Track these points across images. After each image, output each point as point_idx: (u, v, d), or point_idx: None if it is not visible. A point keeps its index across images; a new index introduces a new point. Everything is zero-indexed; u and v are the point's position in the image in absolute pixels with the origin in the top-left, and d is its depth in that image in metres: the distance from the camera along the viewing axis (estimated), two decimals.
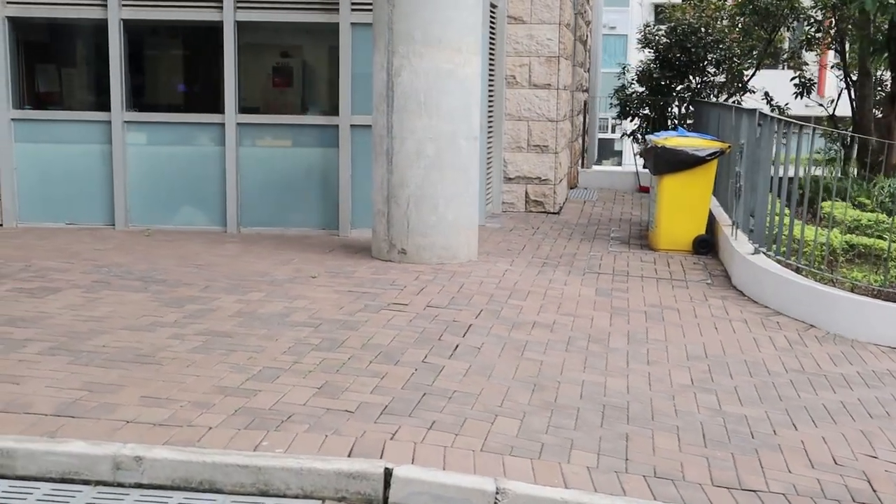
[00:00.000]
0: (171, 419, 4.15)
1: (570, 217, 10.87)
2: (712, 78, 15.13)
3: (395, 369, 4.95)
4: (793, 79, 16.01)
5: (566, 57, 11.37)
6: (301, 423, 4.16)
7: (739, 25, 15.87)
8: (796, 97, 15.72)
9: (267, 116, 9.40)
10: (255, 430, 4.06)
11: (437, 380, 4.83)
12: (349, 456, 3.84)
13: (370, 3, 8.38)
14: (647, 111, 15.43)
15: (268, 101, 9.74)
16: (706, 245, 8.85)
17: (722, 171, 9.29)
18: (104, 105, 9.21)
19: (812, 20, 15.30)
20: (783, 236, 7.45)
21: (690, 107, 14.70)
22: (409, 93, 7.51)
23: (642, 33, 15.55)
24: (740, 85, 15.39)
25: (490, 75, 10.49)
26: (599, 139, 20.13)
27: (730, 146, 8.76)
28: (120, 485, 3.77)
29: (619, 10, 35.31)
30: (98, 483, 3.78)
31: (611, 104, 16.06)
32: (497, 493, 3.64)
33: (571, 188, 13.88)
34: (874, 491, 4.02)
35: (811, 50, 16.50)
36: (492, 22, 10.37)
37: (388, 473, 3.70)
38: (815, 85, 16.50)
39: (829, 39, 15.53)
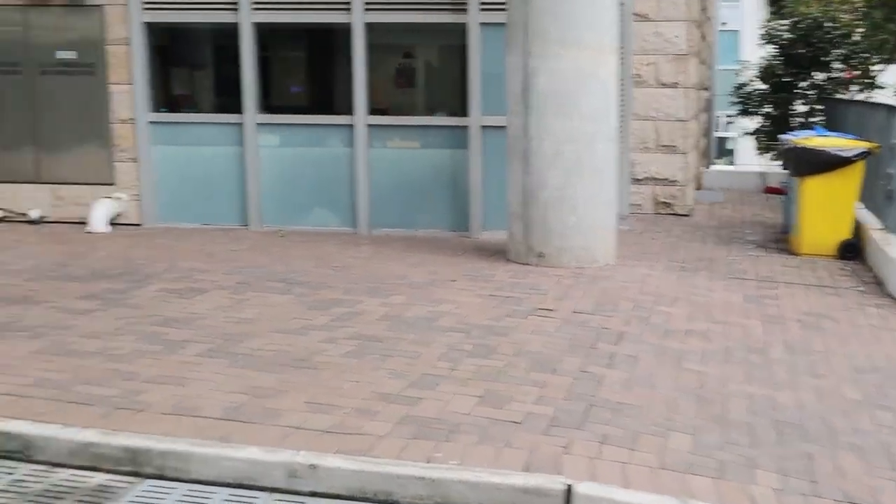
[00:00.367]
0: (339, 426, 4.11)
1: (700, 219, 10.54)
2: (839, 74, 14.53)
3: (553, 378, 4.82)
4: None
5: (694, 54, 11.04)
6: (469, 433, 4.07)
7: (869, 19, 15.22)
8: None
9: (396, 118, 9.38)
10: (424, 439, 3.99)
11: (599, 390, 4.69)
12: (524, 470, 3.73)
13: (499, 4, 8.27)
14: (768, 109, 14.92)
15: (392, 101, 9.73)
16: (853, 250, 8.41)
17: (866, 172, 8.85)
18: (235, 107, 9.33)
19: None
20: None
21: (818, 105, 14.13)
22: (547, 93, 7.36)
23: (765, 29, 15.05)
24: (869, 81, 14.73)
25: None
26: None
27: (879, 146, 8.34)
28: (295, 493, 3.74)
29: (731, 4, 34.34)
30: (273, 490, 3.76)
31: (731, 102, 15.58)
32: None
33: (696, 189, 13.49)
34: None
35: None
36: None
37: (568, 490, 3.58)
38: None
39: None
